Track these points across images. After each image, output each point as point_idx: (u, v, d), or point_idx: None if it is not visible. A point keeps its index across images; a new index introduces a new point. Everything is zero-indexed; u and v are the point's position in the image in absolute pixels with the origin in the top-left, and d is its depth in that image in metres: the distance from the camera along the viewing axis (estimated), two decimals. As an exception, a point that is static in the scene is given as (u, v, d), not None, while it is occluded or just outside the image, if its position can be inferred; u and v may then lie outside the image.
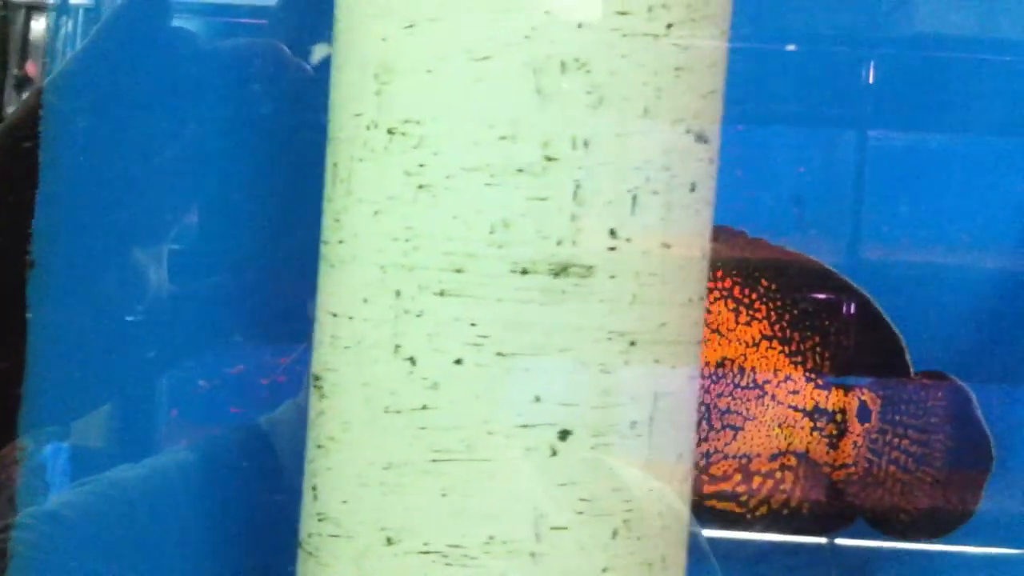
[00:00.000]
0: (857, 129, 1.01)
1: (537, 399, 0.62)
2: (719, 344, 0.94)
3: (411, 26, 0.63)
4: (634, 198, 0.63)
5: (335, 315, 0.67)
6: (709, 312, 0.93)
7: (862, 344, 0.95)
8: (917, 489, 0.94)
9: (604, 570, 0.64)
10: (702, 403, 0.94)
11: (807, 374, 0.95)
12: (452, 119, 0.62)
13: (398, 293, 0.63)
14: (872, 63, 1.00)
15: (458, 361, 0.62)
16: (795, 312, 0.95)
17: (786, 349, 0.94)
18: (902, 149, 1.01)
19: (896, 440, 0.95)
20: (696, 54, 0.65)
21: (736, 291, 0.94)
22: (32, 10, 0.95)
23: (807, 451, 0.95)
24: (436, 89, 0.62)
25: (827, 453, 0.95)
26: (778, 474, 0.95)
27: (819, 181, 1.01)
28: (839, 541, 0.97)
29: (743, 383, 0.94)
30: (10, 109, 0.89)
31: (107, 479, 0.85)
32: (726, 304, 0.95)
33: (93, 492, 0.85)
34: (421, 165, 0.63)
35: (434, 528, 0.63)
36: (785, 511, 0.94)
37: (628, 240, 0.63)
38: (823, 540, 0.97)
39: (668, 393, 0.66)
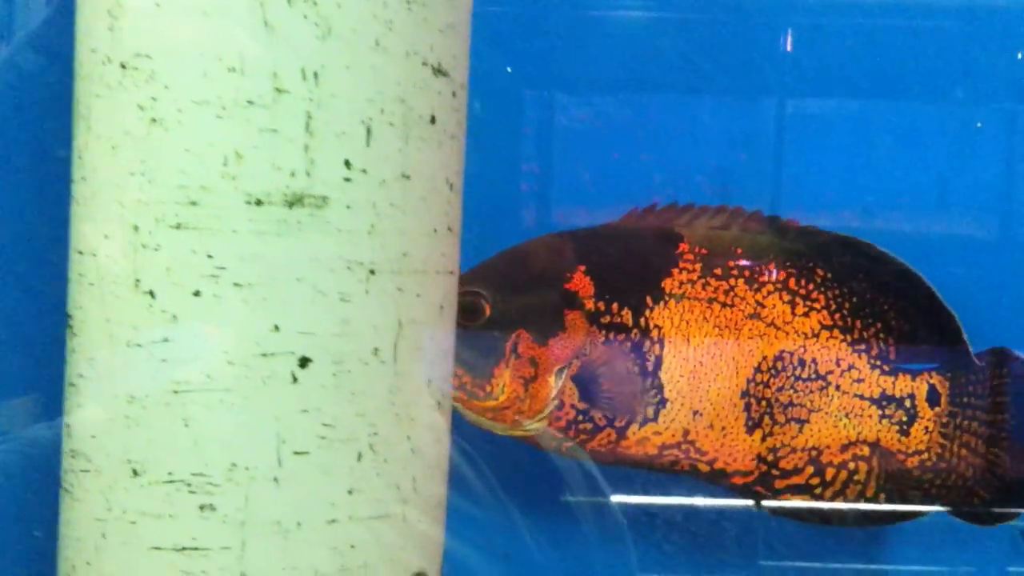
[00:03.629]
0: (776, 97, 1.01)
1: (276, 328, 0.64)
2: (775, 337, 0.94)
3: (139, -40, 0.63)
4: (368, 130, 0.64)
5: (81, 253, 0.67)
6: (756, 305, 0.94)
7: (923, 327, 0.95)
8: (989, 471, 0.94)
9: (350, 492, 0.66)
10: (763, 398, 0.94)
11: (871, 361, 0.95)
12: (181, 53, 0.62)
13: (136, 228, 0.64)
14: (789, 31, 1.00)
15: (196, 293, 0.63)
16: (854, 300, 0.95)
17: (848, 338, 0.95)
18: (819, 116, 1.02)
19: (966, 423, 0.95)
20: (431, -12, 0.66)
21: (791, 283, 0.94)
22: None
23: (878, 439, 0.95)
24: (165, 23, 0.63)
25: (899, 440, 0.95)
26: (851, 464, 0.95)
27: (740, 150, 1.01)
28: (766, 503, 0.96)
29: (804, 375, 0.94)
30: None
31: (25, 438, 0.85)
32: (780, 297, 0.94)
33: (12, 451, 0.84)
34: (153, 99, 0.63)
35: (178, 458, 0.64)
36: (861, 501, 0.95)
37: (364, 171, 0.65)
38: (751, 503, 0.97)
39: (413, 321, 0.68)
